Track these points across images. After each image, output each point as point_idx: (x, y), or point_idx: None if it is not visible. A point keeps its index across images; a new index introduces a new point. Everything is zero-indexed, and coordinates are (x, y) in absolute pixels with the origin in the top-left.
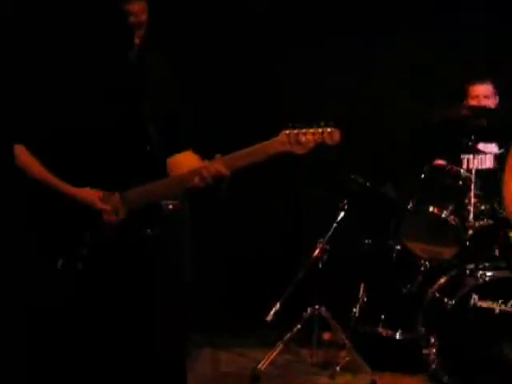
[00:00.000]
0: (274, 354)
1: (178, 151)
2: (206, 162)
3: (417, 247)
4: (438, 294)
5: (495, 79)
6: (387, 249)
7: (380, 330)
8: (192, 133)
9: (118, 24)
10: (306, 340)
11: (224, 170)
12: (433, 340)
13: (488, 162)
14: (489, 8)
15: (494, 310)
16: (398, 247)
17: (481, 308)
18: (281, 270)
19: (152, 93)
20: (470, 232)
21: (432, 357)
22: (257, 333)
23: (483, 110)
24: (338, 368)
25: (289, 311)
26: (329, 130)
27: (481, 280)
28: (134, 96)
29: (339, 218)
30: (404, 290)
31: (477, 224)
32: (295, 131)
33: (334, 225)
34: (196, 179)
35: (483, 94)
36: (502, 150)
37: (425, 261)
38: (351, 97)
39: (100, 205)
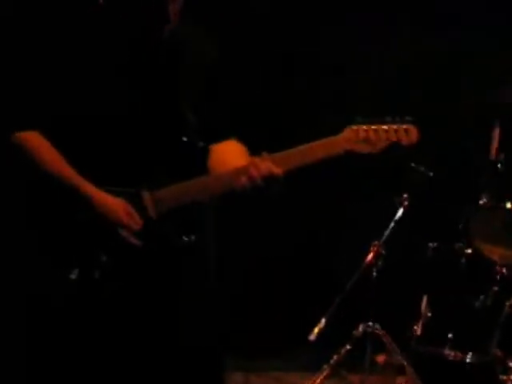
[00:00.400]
0: (319, 380)
1: (221, 139)
2: (255, 159)
3: (492, 251)
4: None
5: None
6: (456, 253)
7: (447, 351)
8: (226, 120)
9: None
10: (356, 363)
11: (277, 170)
12: (511, 364)
13: None
14: None
15: None
16: (469, 251)
17: None
18: (327, 280)
19: (189, 73)
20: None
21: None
22: (298, 355)
23: None
24: None
25: (336, 329)
26: (405, 126)
27: None
28: (167, 77)
29: (398, 216)
30: (476, 304)
31: None
32: (364, 127)
33: (392, 224)
34: (243, 179)
35: None
36: None
37: (502, 267)
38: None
39: (122, 218)
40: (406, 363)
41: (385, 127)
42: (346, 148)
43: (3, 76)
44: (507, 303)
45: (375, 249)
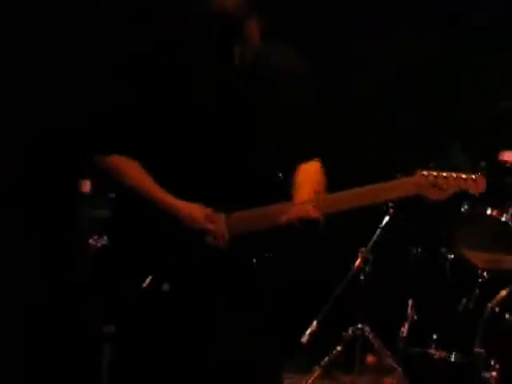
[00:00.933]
0: (311, 380)
1: (303, 161)
2: (298, 203)
3: (474, 256)
4: (498, 310)
5: None
6: (439, 258)
7: (432, 351)
8: (315, 143)
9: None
10: (346, 364)
11: (314, 215)
12: (493, 362)
13: None
14: None
15: None
16: (452, 256)
17: None
18: (317, 284)
19: (274, 99)
20: None
21: (492, 382)
22: (291, 356)
23: None
24: None
25: (327, 331)
26: (473, 177)
27: None
28: (245, 108)
29: (384, 223)
30: (459, 306)
31: None
32: (434, 173)
33: (378, 230)
34: (283, 218)
35: None
36: None
37: (483, 271)
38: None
39: (205, 224)
40: (394, 363)
41: (455, 175)
42: (416, 192)
43: (110, 113)
44: (489, 305)
45: (363, 255)
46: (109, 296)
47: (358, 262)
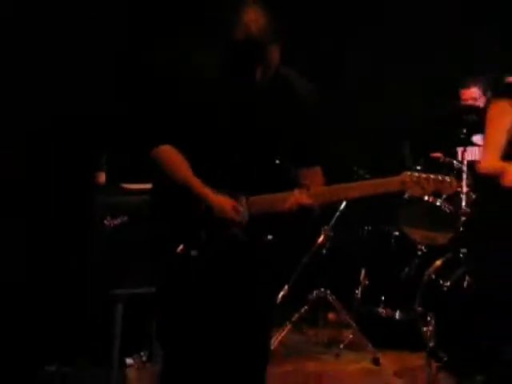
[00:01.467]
0: (283, 333)
1: (307, 167)
2: (296, 191)
3: (413, 233)
4: (434, 276)
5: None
6: (386, 235)
7: (381, 310)
8: (319, 151)
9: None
10: (312, 320)
11: (309, 203)
12: (429, 318)
13: (477, 154)
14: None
15: None
16: (396, 233)
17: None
18: (288, 256)
19: (286, 112)
20: (463, 219)
21: (430, 335)
22: None
23: (473, 109)
24: (342, 346)
25: (296, 294)
26: (448, 179)
27: None
28: (263, 115)
29: (342, 206)
30: (402, 273)
31: (469, 211)
32: (417, 174)
33: (337, 213)
34: (285, 206)
35: (470, 96)
36: None
37: (421, 245)
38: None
39: (231, 214)
40: (350, 320)
41: (433, 177)
42: (400, 188)
43: (157, 111)
44: (426, 273)
45: (325, 232)
46: (154, 259)
47: (321, 238)
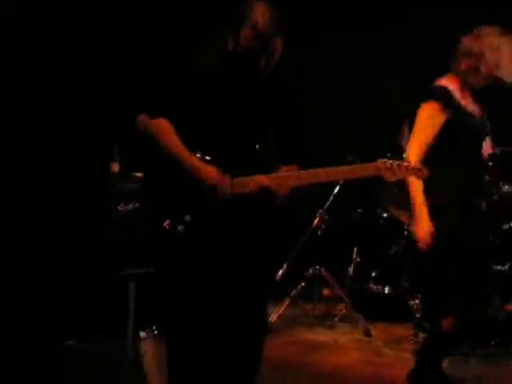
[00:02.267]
0: (282, 308)
1: (284, 162)
2: (257, 176)
3: (401, 214)
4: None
5: None
6: (376, 217)
7: (371, 286)
8: (302, 149)
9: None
10: (308, 296)
11: (271, 186)
12: (415, 293)
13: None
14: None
15: None
16: (385, 215)
17: None
18: (287, 237)
19: (276, 107)
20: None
21: (416, 307)
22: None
23: None
24: (336, 319)
25: (294, 271)
26: (418, 167)
27: None
28: (258, 104)
29: (335, 191)
30: (391, 252)
31: None
32: (390, 161)
33: (331, 197)
34: (247, 188)
35: None
36: None
37: (408, 226)
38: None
39: (218, 180)
40: (343, 294)
41: (405, 164)
42: (375, 173)
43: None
44: (412, 251)
45: (320, 215)
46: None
47: (316, 220)
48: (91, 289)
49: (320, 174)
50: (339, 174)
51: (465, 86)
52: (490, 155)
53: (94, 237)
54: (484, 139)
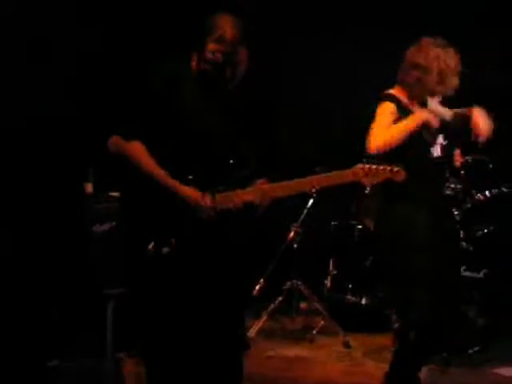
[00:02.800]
0: (260, 323)
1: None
2: (238, 191)
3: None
4: None
5: None
6: (350, 228)
7: (349, 297)
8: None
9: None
10: (286, 310)
11: (254, 200)
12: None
13: (435, 152)
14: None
15: None
16: (360, 227)
17: None
18: (263, 251)
19: (239, 123)
20: None
21: (394, 317)
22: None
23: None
24: (315, 332)
25: (271, 286)
26: (396, 169)
27: None
28: (229, 118)
29: (309, 204)
30: (366, 263)
31: None
32: (368, 165)
33: (305, 210)
34: (231, 204)
35: None
36: (446, 142)
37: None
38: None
39: (201, 202)
40: (321, 307)
41: (382, 167)
42: (354, 179)
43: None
44: None
45: (295, 229)
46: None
47: (291, 234)
48: (71, 310)
49: (300, 183)
50: (320, 181)
51: (413, 96)
52: (461, 163)
53: (71, 257)
54: (429, 150)
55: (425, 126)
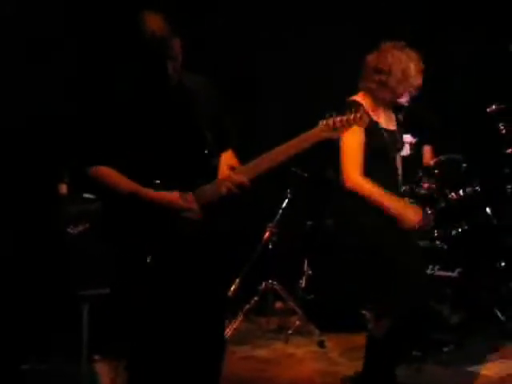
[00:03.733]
0: (237, 323)
1: (223, 151)
2: (231, 173)
3: None
4: None
5: None
6: (325, 228)
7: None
8: (231, 134)
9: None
10: (262, 309)
11: (246, 181)
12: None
13: (405, 150)
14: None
15: None
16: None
17: None
18: (238, 252)
19: (201, 106)
20: None
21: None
22: None
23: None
24: (290, 332)
25: (247, 286)
26: (359, 114)
27: None
28: (186, 112)
29: (284, 204)
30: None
31: None
32: (331, 119)
33: (280, 211)
34: (224, 190)
35: None
36: (416, 139)
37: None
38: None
39: (182, 203)
40: (296, 307)
41: (346, 116)
42: (323, 136)
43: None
44: None
45: (270, 229)
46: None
47: (266, 234)
48: (45, 312)
49: (277, 153)
50: (291, 148)
51: (376, 102)
52: (435, 163)
53: (46, 259)
54: (394, 156)
55: (392, 143)
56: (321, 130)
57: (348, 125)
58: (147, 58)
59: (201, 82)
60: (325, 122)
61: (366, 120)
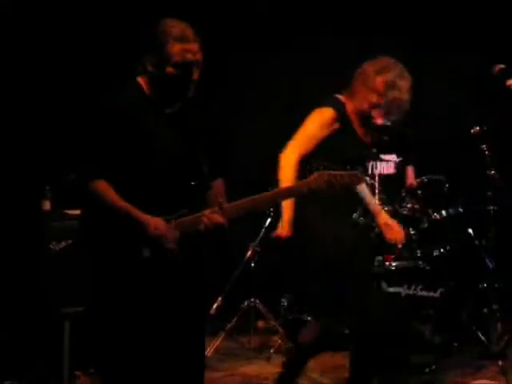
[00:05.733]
0: (218, 341)
1: (213, 179)
2: (207, 212)
3: None
4: None
5: None
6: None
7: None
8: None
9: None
10: (244, 328)
11: (224, 223)
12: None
13: (390, 169)
14: None
15: (400, 293)
16: None
17: (389, 292)
18: (220, 270)
19: (196, 133)
20: (377, 229)
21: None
22: None
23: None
24: (272, 351)
25: (229, 305)
26: (354, 172)
27: (388, 269)
28: (185, 140)
29: (267, 223)
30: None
31: None
32: (327, 173)
33: (263, 230)
34: (202, 226)
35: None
36: (400, 159)
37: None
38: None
39: (166, 232)
40: (278, 326)
41: (343, 173)
42: (313, 188)
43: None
44: None
45: (253, 248)
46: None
47: (249, 253)
48: (26, 328)
49: (263, 198)
50: (282, 193)
51: (358, 110)
52: (418, 183)
53: (27, 276)
54: (358, 168)
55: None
56: (312, 182)
57: (343, 181)
58: (176, 59)
59: (195, 110)
60: (320, 173)
61: (360, 179)
